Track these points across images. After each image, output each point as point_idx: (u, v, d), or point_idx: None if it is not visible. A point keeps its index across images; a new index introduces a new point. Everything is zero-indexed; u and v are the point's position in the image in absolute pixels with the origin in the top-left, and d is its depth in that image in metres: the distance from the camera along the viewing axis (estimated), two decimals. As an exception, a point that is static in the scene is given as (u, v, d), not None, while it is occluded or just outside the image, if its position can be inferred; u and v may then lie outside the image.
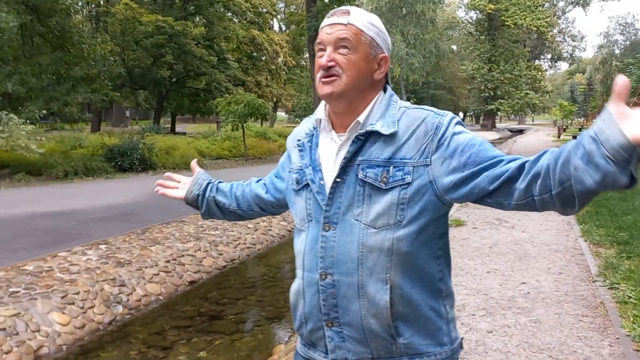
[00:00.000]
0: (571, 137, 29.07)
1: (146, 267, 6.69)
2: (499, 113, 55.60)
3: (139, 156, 15.41)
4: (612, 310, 4.18)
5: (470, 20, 53.77)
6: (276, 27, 46.80)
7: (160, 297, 6.33)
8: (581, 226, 7.18)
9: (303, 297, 1.46)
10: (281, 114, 70.90)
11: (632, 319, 3.96)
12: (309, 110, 29.01)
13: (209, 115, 35.31)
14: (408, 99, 48.85)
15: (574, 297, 4.56)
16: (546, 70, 61.26)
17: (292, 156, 1.56)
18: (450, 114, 1.38)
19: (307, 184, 1.44)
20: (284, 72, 41.09)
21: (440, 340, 1.39)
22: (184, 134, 26.86)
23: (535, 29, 44.51)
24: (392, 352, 1.37)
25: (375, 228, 1.32)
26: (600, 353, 3.49)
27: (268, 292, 6.63)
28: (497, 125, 61.25)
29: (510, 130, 53.34)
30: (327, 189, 1.38)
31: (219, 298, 6.40)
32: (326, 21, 1.40)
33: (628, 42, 58.83)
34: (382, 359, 1.39)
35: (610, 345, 3.59)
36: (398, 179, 1.31)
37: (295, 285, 1.51)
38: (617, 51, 58.76)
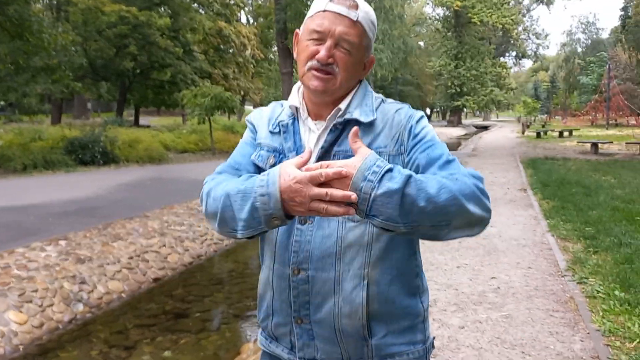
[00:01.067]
0: (535, 134, 29.71)
1: (108, 264, 6.44)
2: (465, 109, 56.40)
3: (100, 149, 14.96)
4: (582, 304, 4.19)
5: (438, 17, 54.33)
6: (244, 20, 46.25)
7: (123, 295, 6.10)
8: (548, 221, 7.24)
9: (272, 290, 1.38)
10: (249, 107, 70.31)
11: (601, 314, 3.97)
12: (277, 104, 28.73)
13: (174, 108, 34.63)
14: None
15: (543, 292, 4.56)
16: (511, 67, 62.41)
17: (261, 130, 1.45)
18: (420, 111, 1.39)
19: None
20: (252, 65, 40.67)
21: (414, 338, 1.35)
22: (148, 126, 26.28)
23: (501, 26, 45.29)
24: (363, 353, 1.33)
25: (354, 221, 1.27)
26: (571, 348, 3.47)
27: (236, 288, 6.47)
28: (463, 121, 62.13)
29: (476, 127, 54.14)
30: None
31: (184, 295, 6.21)
32: (333, 7, 1.30)
33: (589, 41, 60.43)
34: None
35: (582, 340, 3.58)
36: None
37: (264, 275, 1.43)
38: (579, 49, 60.26)
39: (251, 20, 47.43)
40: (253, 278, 6.81)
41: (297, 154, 1.33)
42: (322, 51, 1.28)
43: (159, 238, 7.50)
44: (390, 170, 1.10)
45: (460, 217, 1.14)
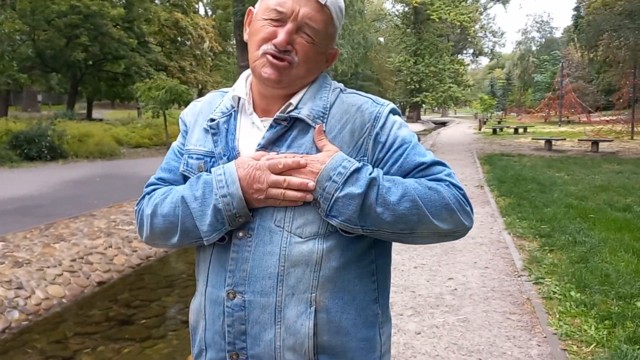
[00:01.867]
0: (491, 130, 30.21)
1: (48, 267, 6.06)
2: (423, 105, 57.03)
3: (48, 144, 14.29)
4: (539, 306, 4.11)
5: (397, 13, 54.69)
6: (202, 12, 45.35)
7: (64, 300, 5.74)
8: (504, 218, 7.22)
9: (204, 319, 1.17)
10: (207, 101, 69.21)
11: (557, 316, 3.89)
12: (235, 98, 28.26)
13: (128, 101, 33.69)
14: (336, 89, 48.89)
15: (500, 294, 4.48)
16: (468, 64, 63.44)
17: (193, 135, 1.23)
18: (390, 105, 1.19)
19: None
20: (210, 58, 39.93)
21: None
22: (101, 120, 25.40)
23: (459, 23, 45.92)
24: None
25: (301, 237, 1.08)
26: (529, 354, 3.37)
27: (186, 292, 6.18)
28: (422, 117, 62.85)
29: (435, 123, 54.83)
30: None
31: (130, 300, 5.89)
32: None
33: (544, 40, 61.99)
34: None
35: (539, 345, 3.49)
36: None
37: (195, 302, 1.22)
38: (534, 48, 61.74)
39: (209, 12, 46.57)
40: (205, 280, 6.55)
41: (227, 160, 1.13)
42: (281, 35, 1.09)
43: (105, 238, 7.12)
44: (357, 170, 1.05)
45: (424, 227, 1.07)
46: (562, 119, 38.01)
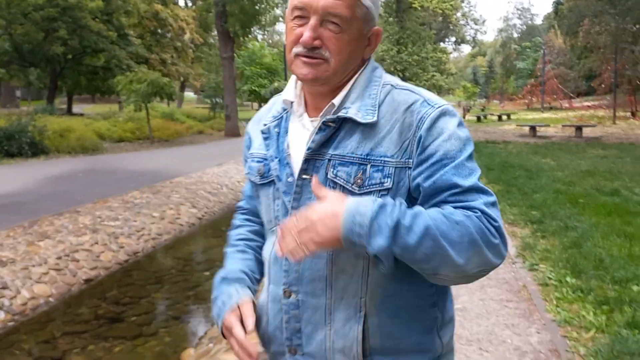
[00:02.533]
0: (475, 118, 30.35)
1: (33, 266, 5.90)
2: (407, 94, 57.02)
3: (28, 140, 13.98)
4: (535, 293, 4.09)
5: (380, 2, 54.48)
6: (181, 3, 44.72)
7: (51, 299, 5.59)
8: (494, 205, 7.22)
9: (267, 314, 1.22)
10: (190, 94, 68.51)
11: (555, 302, 3.88)
12: (219, 90, 28.00)
13: (109, 95, 33.21)
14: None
15: (496, 281, 4.45)
16: (450, 52, 63.58)
17: (256, 141, 1.27)
18: (443, 106, 1.09)
19: (272, 179, 1.17)
20: (191, 50, 39.47)
21: None
22: (82, 115, 24.99)
23: (441, 11, 45.95)
24: None
25: None
26: (529, 341, 3.34)
27: (176, 287, 6.07)
28: (405, 106, 62.70)
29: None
30: (294, 187, 1.12)
31: (119, 297, 5.76)
32: None
33: (525, 27, 62.26)
34: None
35: (538, 332, 3.46)
36: (376, 183, 1.05)
37: (261, 298, 1.26)
38: (515, 35, 62.01)
39: (189, 3, 45.97)
40: (194, 275, 6.44)
41: (279, 162, 1.15)
42: (306, 32, 1.05)
43: (90, 235, 6.97)
44: (374, 218, 0.95)
45: (448, 268, 0.96)
46: (545, 106, 38.32)
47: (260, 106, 43.91)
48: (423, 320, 1.11)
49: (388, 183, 1.04)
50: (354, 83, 1.12)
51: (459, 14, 55.04)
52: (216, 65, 34.23)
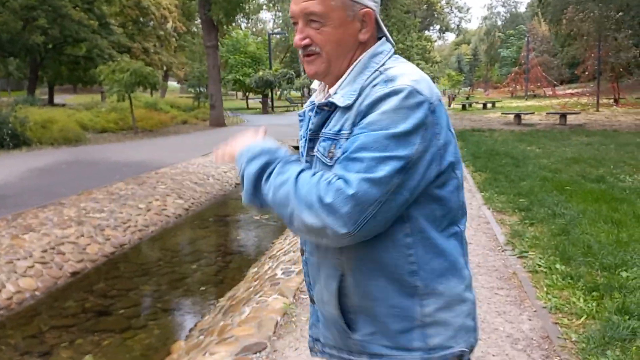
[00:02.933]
0: (460, 106, 30.46)
1: (18, 259, 5.81)
2: (392, 82, 57.09)
3: (9, 131, 13.71)
4: (525, 280, 4.11)
5: (363, -10, 54.19)
6: (164, -9, 44.05)
7: (37, 293, 5.52)
8: (483, 194, 7.24)
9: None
10: (173, 83, 67.78)
11: (545, 289, 3.90)
12: (202, 79, 27.70)
13: (91, 85, 32.68)
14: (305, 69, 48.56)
15: (486, 269, 4.46)
16: (435, 41, 63.61)
17: None
18: (395, 87, 1.12)
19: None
20: (174, 39, 38.99)
21: (409, 345, 1.19)
22: (64, 105, 24.58)
23: (425, -1, 45.81)
24: (349, 346, 1.26)
25: None
26: (521, 329, 3.36)
27: (163, 279, 6.01)
28: (390, 94, 62.72)
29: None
30: (305, 163, 1.27)
31: (106, 290, 5.69)
32: None
33: (509, 14, 62.43)
34: (344, 351, 1.28)
35: (530, 320, 3.48)
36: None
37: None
38: (499, 23, 62.14)
39: (172, -8, 45.30)
40: (183, 267, 6.39)
41: (304, 141, 1.31)
42: (297, 35, 1.23)
43: (76, 227, 6.87)
44: (259, 155, 1.22)
45: (296, 219, 1.11)
46: (529, 93, 38.56)
47: (245, 95, 43.36)
48: (402, 286, 1.18)
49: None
50: (350, 71, 1.22)
51: (443, 2, 55.06)
52: (200, 54, 33.87)
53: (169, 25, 37.78)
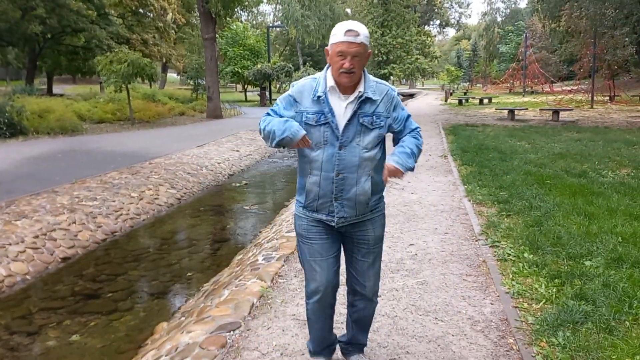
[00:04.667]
0: (457, 101, 30.53)
1: (10, 244, 5.99)
2: (391, 77, 57.05)
3: (6, 120, 13.87)
4: (493, 268, 4.29)
5: (364, -16, 54.04)
6: (164, -18, 43.98)
7: (28, 277, 5.70)
8: (465, 186, 7.41)
9: (319, 186, 2.49)
10: (173, 75, 67.72)
11: (511, 276, 4.08)
12: (201, 71, 27.79)
13: (90, 75, 32.75)
14: (304, 63, 48.58)
15: (458, 257, 4.64)
16: (435, 36, 63.53)
17: (304, 102, 2.48)
18: (396, 90, 2.57)
19: (325, 122, 2.43)
20: (173, 31, 39.00)
21: (381, 199, 2.67)
22: (62, 95, 24.69)
23: (425, -6, 45.66)
24: (365, 211, 2.56)
25: (367, 149, 2.47)
26: (482, 312, 3.54)
27: (152, 265, 6.19)
28: (390, 89, 62.70)
29: (403, 95, 54.96)
30: (341, 127, 2.43)
31: (96, 275, 5.87)
32: (344, 38, 2.33)
33: (508, 10, 62.31)
34: (359, 216, 2.56)
35: (492, 304, 3.66)
36: (377, 124, 2.48)
37: (313, 179, 2.50)
38: (499, 19, 62.01)
39: (172, -17, 45.24)
40: (172, 254, 6.56)
41: (331, 114, 2.43)
42: (346, 63, 2.34)
43: (68, 215, 7.04)
44: (410, 160, 2.52)
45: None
46: (526, 89, 38.63)
47: (244, 87, 43.19)
48: (381, 179, 2.54)
49: (382, 123, 2.49)
50: (364, 81, 2.45)
51: (443, -3, 54.90)
52: (198, 46, 33.93)
53: (169, 17, 37.81)
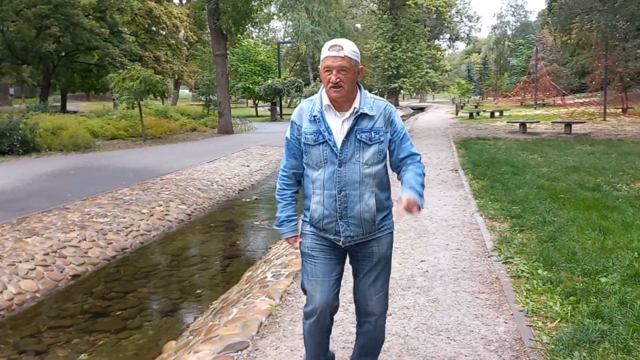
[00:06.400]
0: (468, 115, 30.43)
1: (20, 262, 5.99)
2: (401, 91, 57.12)
3: (20, 137, 14.02)
4: (507, 285, 4.20)
5: (373, -1, 54.42)
6: (176, 0, 44.62)
7: (37, 295, 5.69)
8: (477, 201, 7.32)
9: (323, 205, 2.50)
10: (185, 91, 68.35)
11: (525, 294, 3.99)
12: (212, 87, 27.99)
13: (104, 92, 33.18)
14: (314, 78, 48.83)
15: (470, 274, 4.56)
16: (445, 49, 63.63)
17: (304, 123, 2.51)
18: (393, 106, 2.58)
19: (323, 141, 2.45)
20: (185, 48, 39.43)
21: (389, 218, 2.63)
22: (75, 112, 24.97)
23: (435, 8, 45.95)
24: (372, 229, 2.54)
25: (367, 165, 2.46)
26: (495, 331, 3.45)
27: (162, 282, 6.16)
28: (400, 103, 62.99)
29: (413, 108, 55.01)
30: (339, 144, 2.44)
31: (105, 292, 5.85)
32: (329, 53, 2.39)
33: (518, 23, 62.29)
34: (366, 234, 2.54)
35: (505, 322, 3.57)
36: (376, 139, 2.47)
37: (316, 198, 2.52)
38: (509, 32, 62.00)
39: (183, 1, 45.89)
40: (181, 271, 6.53)
41: (328, 132, 2.44)
42: (332, 77, 2.37)
43: (79, 231, 7.05)
44: (420, 193, 2.47)
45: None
46: (538, 102, 38.44)
47: (255, 103, 43.52)
48: (387, 196, 2.60)
49: (382, 138, 2.47)
50: (360, 97, 2.46)
51: (453, 11, 55.13)
52: (210, 62, 34.21)
53: (181, 34, 38.25)
